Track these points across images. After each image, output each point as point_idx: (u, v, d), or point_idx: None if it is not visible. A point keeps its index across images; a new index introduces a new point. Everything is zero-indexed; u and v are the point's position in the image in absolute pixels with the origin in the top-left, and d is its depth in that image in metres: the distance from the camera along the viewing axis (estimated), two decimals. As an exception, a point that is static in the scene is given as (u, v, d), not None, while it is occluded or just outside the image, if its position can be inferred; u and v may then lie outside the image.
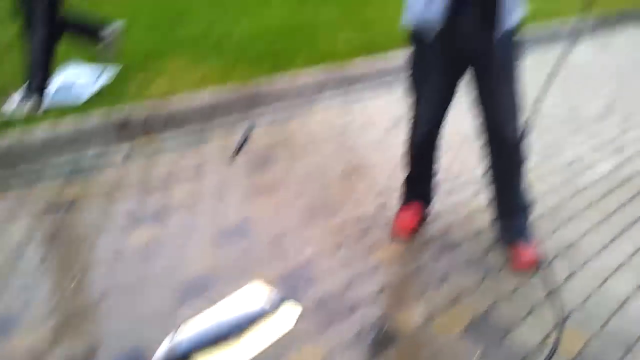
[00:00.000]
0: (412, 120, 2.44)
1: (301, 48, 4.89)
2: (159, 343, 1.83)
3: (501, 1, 2.03)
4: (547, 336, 1.93)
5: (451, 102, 2.36)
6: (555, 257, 2.42)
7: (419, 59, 2.29)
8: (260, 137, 3.69)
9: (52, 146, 3.24)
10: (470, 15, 2.07)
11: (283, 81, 4.24)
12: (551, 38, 6.24)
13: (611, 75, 5.32)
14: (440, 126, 2.43)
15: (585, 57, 5.84)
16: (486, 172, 2.45)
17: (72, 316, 2.00)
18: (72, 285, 2.18)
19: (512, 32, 2.14)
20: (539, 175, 3.19)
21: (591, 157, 3.56)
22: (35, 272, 2.27)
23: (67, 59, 4.16)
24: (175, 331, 1.96)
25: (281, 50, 4.82)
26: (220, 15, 5.97)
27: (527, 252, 2.33)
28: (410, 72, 2.35)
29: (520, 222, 2.42)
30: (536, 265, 2.30)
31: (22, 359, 1.79)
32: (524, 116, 2.25)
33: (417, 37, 2.23)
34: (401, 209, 2.66)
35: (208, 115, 3.81)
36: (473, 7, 2.06)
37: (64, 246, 2.49)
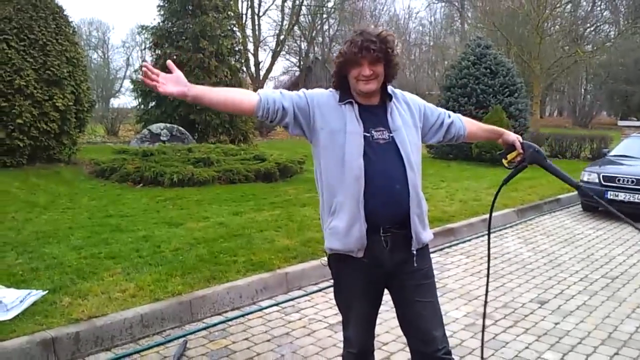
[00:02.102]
0: (344, 340, 2.42)
1: (238, 253, 4.93)
2: None
3: (413, 224, 2.16)
4: None
5: (376, 317, 2.38)
6: None
7: (342, 286, 2.33)
8: (199, 346, 3.52)
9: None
10: (386, 239, 2.16)
11: (219, 288, 4.18)
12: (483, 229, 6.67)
13: (540, 264, 5.58)
14: (370, 343, 2.43)
15: (513, 247, 6.19)
16: None
17: None
18: None
19: (427, 246, 2.29)
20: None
21: (537, 347, 3.58)
22: None
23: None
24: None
25: (218, 256, 4.84)
26: (159, 222, 6.05)
27: None
28: (335, 298, 2.40)
29: None
30: None
31: None
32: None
33: (339, 259, 2.26)
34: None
35: (141, 328, 3.64)
36: (385, 233, 2.16)
37: None
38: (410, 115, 2.29)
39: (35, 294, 3.80)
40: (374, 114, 2.21)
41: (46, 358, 3.24)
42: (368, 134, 2.16)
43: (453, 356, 2.27)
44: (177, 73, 2.05)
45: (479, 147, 12.98)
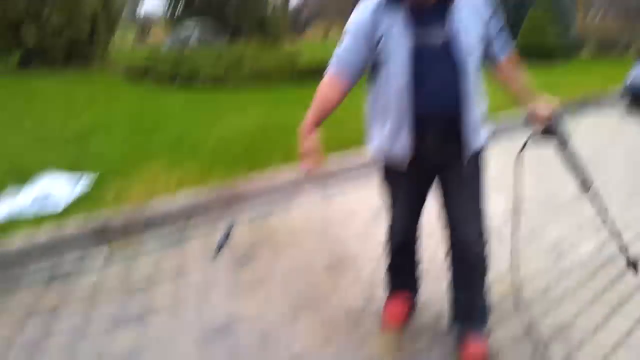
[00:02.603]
0: (389, 226, 2.46)
1: (277, 148, 4.99)
2: None
3: (466, 125, 2.05)
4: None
5: (422, 210, 2.37)
6: (549, 339, 2.37)
7: (389, 177, 2.33)
8: (242, 234, 3.65)
9: (30, 254, 3.15)
10: (436, 141, 2.07)
11: (260, 179, 4.28)
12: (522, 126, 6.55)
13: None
14: (415, 231, 2.45)
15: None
16: (450, 277, 2.38)
17: None
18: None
19: (480, 150, 2.18)
20: (526, 258, 3.20)
21: (574, 237, 3.61)
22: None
23: (43, 168, 4.15)
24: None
25: (257, 151, 4.92)
26: (195, 122, 6.12)
27: (477, 345, 2.25)
28: (382, 185, 2.39)
29: (477, 324, 2.33)
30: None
31: None
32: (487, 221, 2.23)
33: (385, 162, 2.26)
34: (389, 300, 2.60)
35: (187, 216, 3.79)
36: (437, 134, 2.06)
37: (46, 352, 2.35)
38: (474, 15, 2.06)
39: (85, 178, 3.93)
40: (430, 15, 2.01)
41: (97, 242, 3.41)
42: (419, 40, 1.99)
43: (490, 244, 2.28)
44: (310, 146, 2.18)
45: (524, 37, 12.31)
